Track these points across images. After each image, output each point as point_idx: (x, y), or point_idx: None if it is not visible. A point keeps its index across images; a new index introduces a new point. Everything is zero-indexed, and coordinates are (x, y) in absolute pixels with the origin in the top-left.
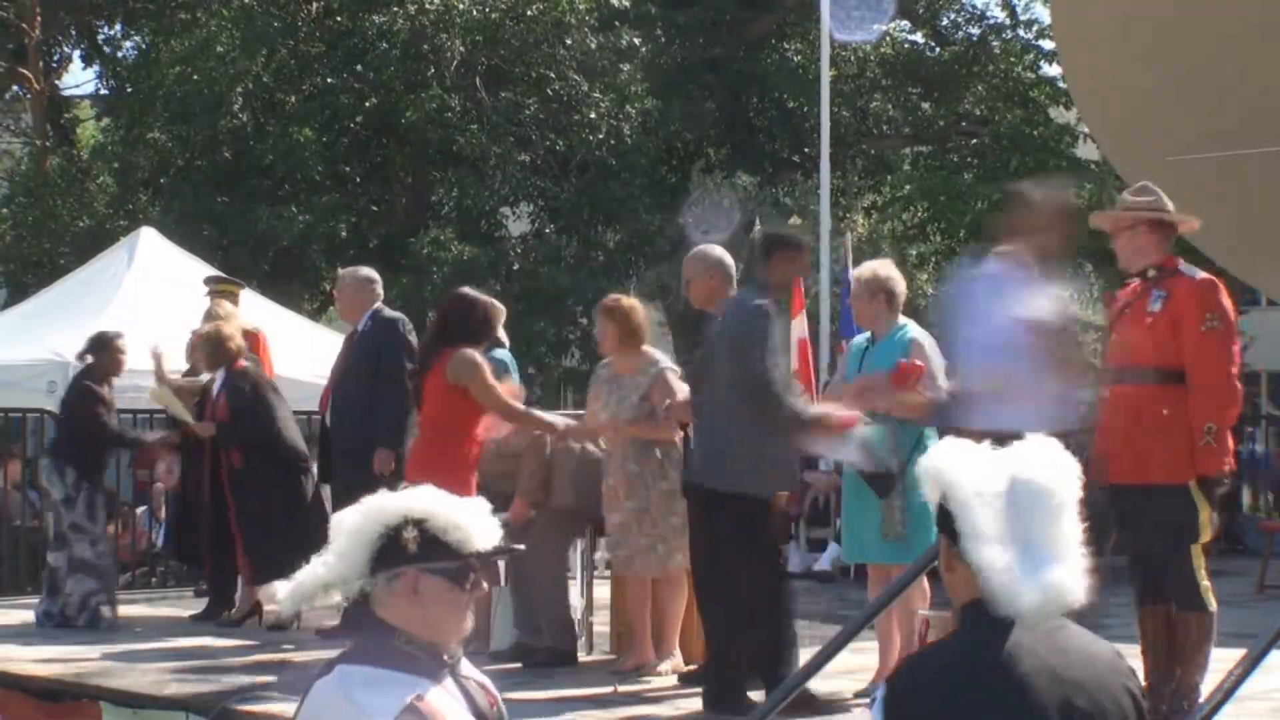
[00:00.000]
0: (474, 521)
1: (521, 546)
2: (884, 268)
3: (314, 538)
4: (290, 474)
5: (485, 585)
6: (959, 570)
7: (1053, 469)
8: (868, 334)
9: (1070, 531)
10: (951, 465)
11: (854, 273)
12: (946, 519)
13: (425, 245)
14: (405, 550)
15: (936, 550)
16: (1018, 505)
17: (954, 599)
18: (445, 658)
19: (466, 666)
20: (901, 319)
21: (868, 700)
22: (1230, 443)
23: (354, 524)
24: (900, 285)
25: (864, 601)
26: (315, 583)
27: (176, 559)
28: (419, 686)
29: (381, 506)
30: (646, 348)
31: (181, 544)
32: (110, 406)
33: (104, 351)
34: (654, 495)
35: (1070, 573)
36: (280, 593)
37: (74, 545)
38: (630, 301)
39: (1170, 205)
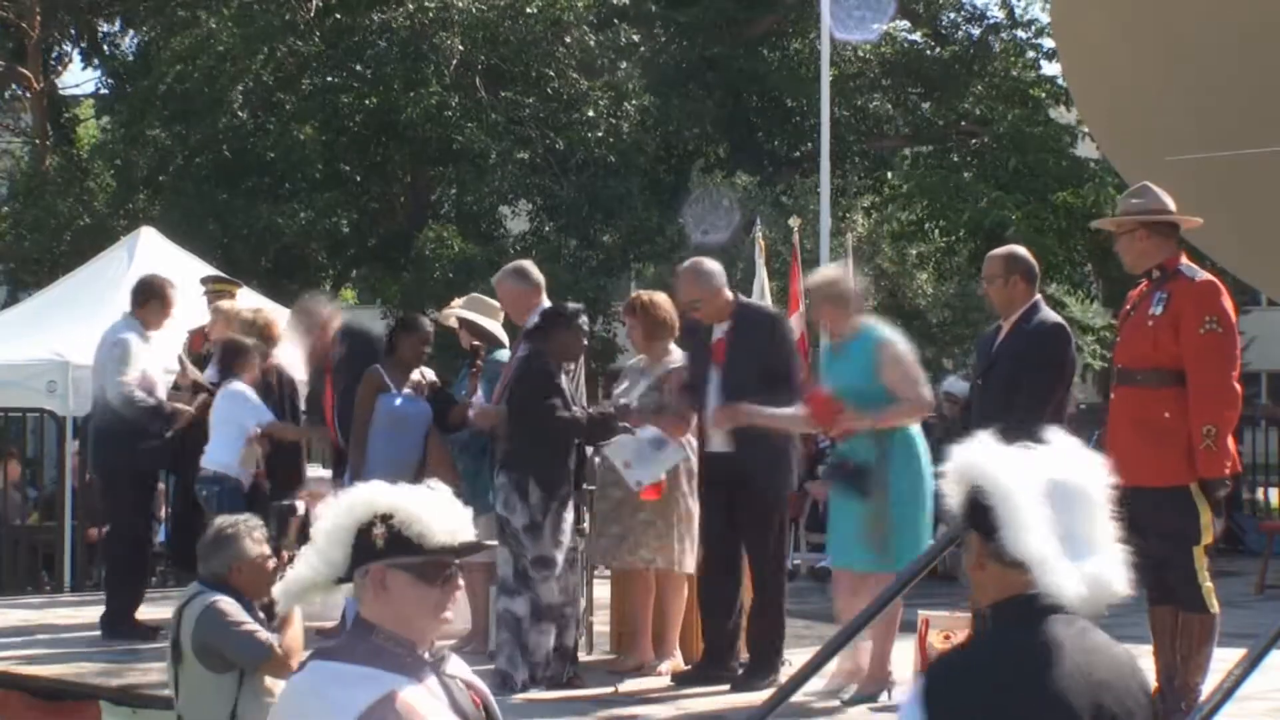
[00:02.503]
0: (440, 516)
1: (494, 543)
2: (832, 272)
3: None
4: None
5: (460, 582)
6: (990, 568)
7: (1087, 468)
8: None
9: (1107, 527)
10: (990, 461)
11: (804, 285)
12: (981, 515)
13: (427, 243)
14: (374, 546)
15: (938, 549)
16: (1056, 503)
17: (980, 598)
18: (425, 655)
19: (455, 665)
20: (861, 319)
21: (842, 700)
22: (1231, 445)
23: (330, 522)
24: (849, 285)
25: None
26: (301, 582)
27: (175, 563)
28: (393, 683)
29: (353, 504)
30: (672, 344)
31: (180, 546)
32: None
33: (563, 327)
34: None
35: (1112, 564)
36: (275, 590)
37: (538, 586)
38: (652, 297)
39: (1171, 204)
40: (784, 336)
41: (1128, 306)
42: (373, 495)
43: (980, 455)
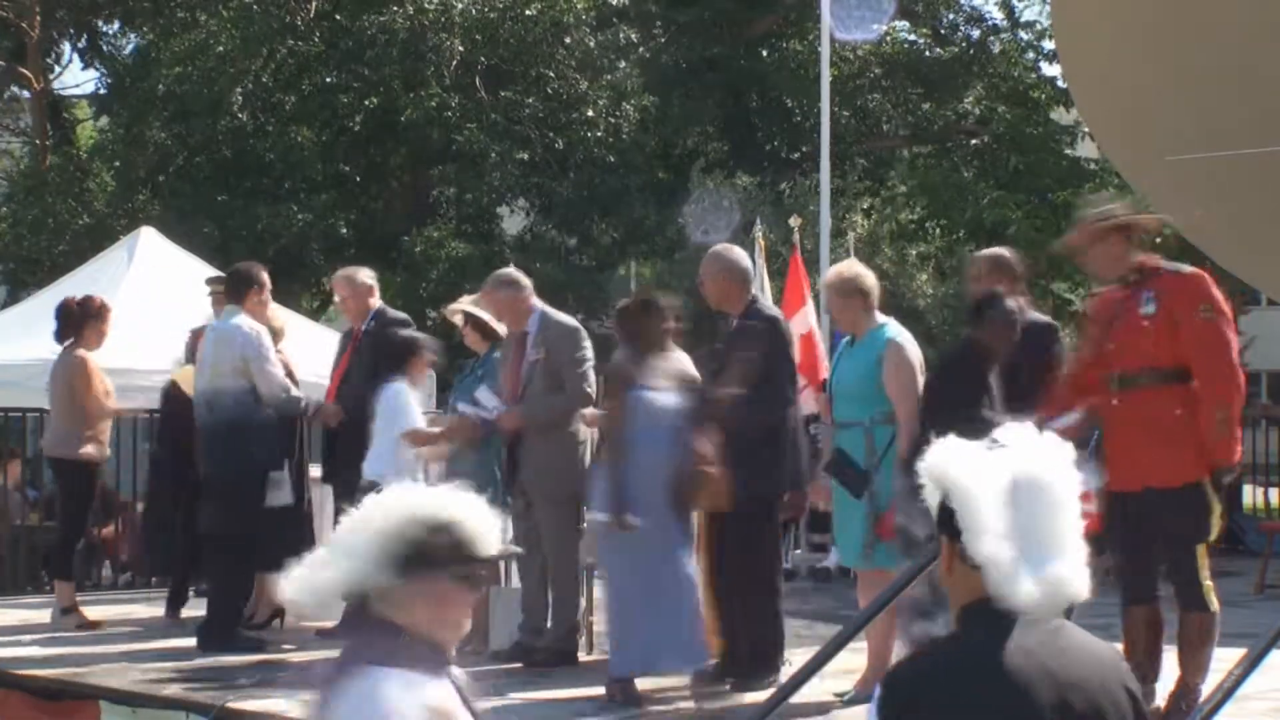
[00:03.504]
0: (489, 524)
1: (519, 549)
2: (848, 268)
3: (304, 535)
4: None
5: (483, 587)
6: (958, 571)
7: (1053, 464)
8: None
9: (1071, 527)
10: (951, 463)
11: (822, 281)
12: (947, 518)
13: (419, 244)
14: (438, 555)
15: (933, 553)
16: (1018, 502)
17: (953, 601)
18: (446, 657)
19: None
20: (881, 317)
21: (842, 700)
22: (1239, 432)
23: (384, 524)
24: (870, 280)
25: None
26: (338, 585)
27: (153, 566)
28: (436, 685)
29: (411, 507)
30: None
31: (158, 550)
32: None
33: (999, 320)
34: None
35: (1072, 567)
36: (292, 591)
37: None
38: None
39: (1121, 208)
40: (773, 342)
41: (1108, 313)
42: (426, 502)
43: (944, 456)
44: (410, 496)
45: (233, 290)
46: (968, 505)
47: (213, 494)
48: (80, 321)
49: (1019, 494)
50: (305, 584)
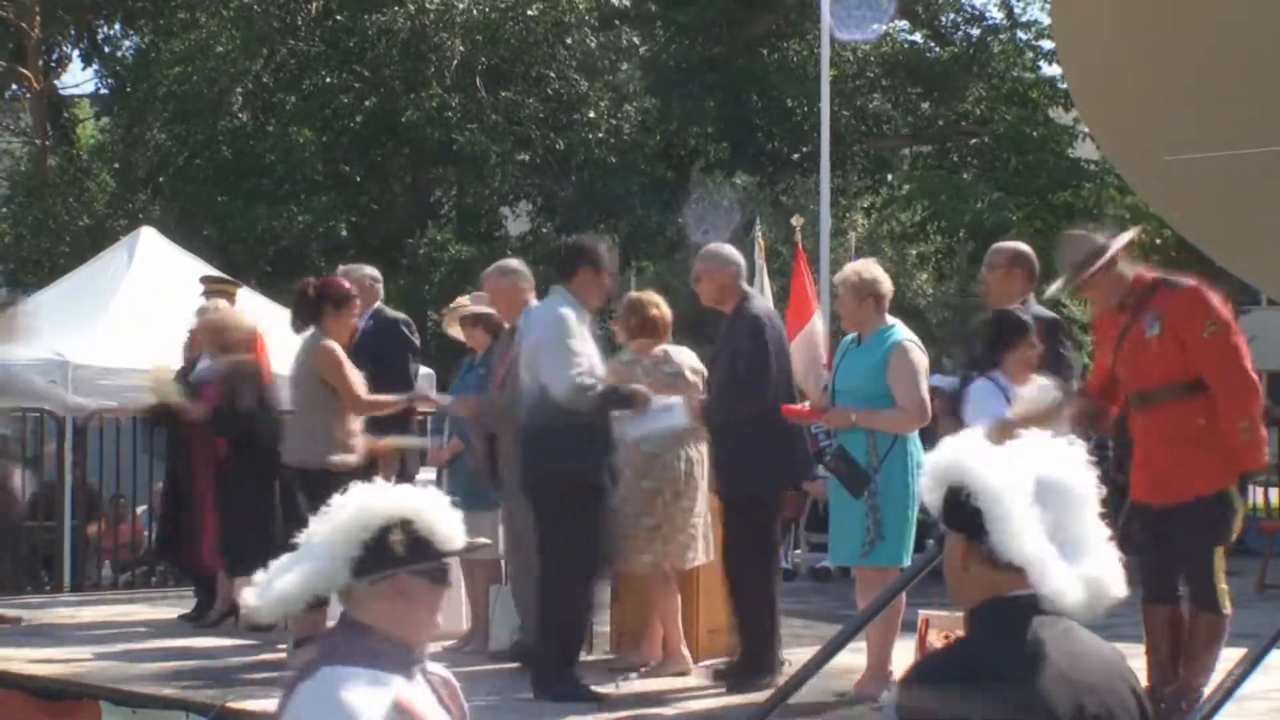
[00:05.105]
0: (451, 519)
1: (486, 541)
2: (868, 269)
3: (287, 537)
4: (270, 471)
5: (450, 583)
6: (974, 571)
7: (1072, 466)
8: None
9: (1096, 526)
10: (975, 461)
11: (837, 276)
12: (967, 516)
13: (422, 245)
14: (393, 552)
15: (935, 552)
16: (1045, 502)
17: (963, 601)
18: (416, 655)
19: (430, 663)
20: (889, 319)
21: (844, 701)
22: (1264, 434)
23: (339, 525)
24: (886, 284)
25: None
26: (301, 590)
27: (165, 559)
28: (399, 684)
29: (365, 507)
30: (667, 345)
31: (170, 543)
32: None
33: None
34: (634, 492)
35: (1106, 566)
36: (251, 597)
37: None
38: (651, 296)
39: (1101, 236)
40: (758, 336)
41: (1115, 335)
42: (387, 499)
43: (965, 454)
44: (367, 495)
45: (561, 265)
46: (1001, 504)
47: (534, 508)
48: (317, 306)
49: (1045, 494)
50: (265, 588)
